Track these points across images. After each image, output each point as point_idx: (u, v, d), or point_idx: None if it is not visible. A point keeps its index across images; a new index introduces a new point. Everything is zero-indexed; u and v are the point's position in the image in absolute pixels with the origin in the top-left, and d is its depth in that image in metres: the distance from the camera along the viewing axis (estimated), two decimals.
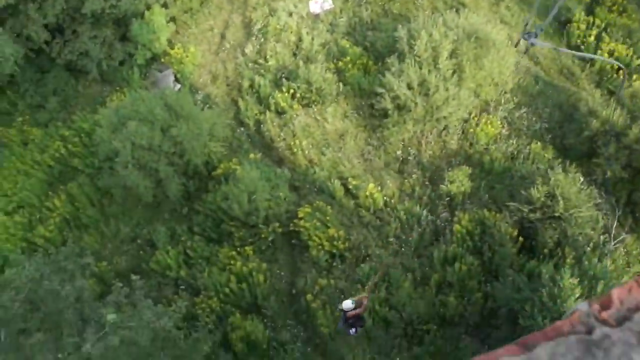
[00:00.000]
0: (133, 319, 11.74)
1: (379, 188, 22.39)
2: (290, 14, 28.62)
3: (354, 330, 17.60)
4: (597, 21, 28.85)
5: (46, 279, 12.42)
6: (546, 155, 23.38)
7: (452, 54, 23.74)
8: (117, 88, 26.97)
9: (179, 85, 27.26)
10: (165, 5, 27.77)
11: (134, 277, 13.71)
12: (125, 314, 12.25)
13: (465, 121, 24.34)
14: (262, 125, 24.87)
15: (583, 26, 28.63)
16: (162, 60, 27.69)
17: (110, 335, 10.89)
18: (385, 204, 22.22)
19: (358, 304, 16.80)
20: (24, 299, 11.87)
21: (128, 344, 11.26)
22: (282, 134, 24.47)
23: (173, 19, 28.41)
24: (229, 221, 21.48)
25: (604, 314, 2.35)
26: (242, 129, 25.31)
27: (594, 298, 2.50)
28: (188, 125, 21.91)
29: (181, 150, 22.15)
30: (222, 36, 28.98)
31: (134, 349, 11.58)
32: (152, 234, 22.53)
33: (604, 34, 28.43)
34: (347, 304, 16.70)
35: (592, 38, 28.13)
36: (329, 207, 21.60)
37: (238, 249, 21.13)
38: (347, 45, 26.92)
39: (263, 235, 21.29)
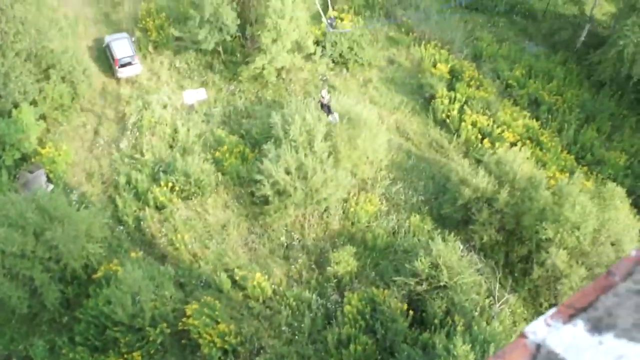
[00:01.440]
0: None
1: (266, 276, 22.20)
2: (165, 106, 28.55)
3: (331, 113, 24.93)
4: (459, 96, 30.92)
5: None
6: (425, 226, 24.21)
7: (327, 136, 24.43)
8: None
9: (51, 186, 26.12)
10: (34, 103, 26.88)
11: None
12: None
13: (345, 201, 24.87)
14: (142, 222, 24.19)
15: (446, 101, 30.52)
16: (33, 160, 26.53)
17: None
18: (274, 292, 22.03)
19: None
20: None
21: None
22: (163, 230, 23.91)
23: (43, 117, 27.48)
24: (113, 327, 20.41)
25: None
26: (121, 227, 24.49)
27: None
28: (63, 228, 20.91)
29: (57, 255, 21.03)
30: (96, 132, 28.30)
31: None
32: (28, 350, 20.98)
33: (465, 107, 30.40)
34: (323, 92, 24.94)
35: (455, 112, 30.00)
36: (217, 301, 21.09)
37: (125, 356, 20.07)
38: (223, 135, 27.09)
39: (151, 338, 20.33)
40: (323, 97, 24.52)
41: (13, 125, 25.31)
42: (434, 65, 33.02)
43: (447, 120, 30.03)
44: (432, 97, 31.12)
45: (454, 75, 32.95)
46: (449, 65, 33.19)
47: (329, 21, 29.52)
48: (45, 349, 20.84)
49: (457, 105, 30.40)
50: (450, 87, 31.86)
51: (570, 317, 2.34)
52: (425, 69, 33.00)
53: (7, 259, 20.13)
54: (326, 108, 24.54)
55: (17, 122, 25.45)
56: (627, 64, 31.56)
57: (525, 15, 40.14)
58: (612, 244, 22.97)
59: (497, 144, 28.27)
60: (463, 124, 29.48)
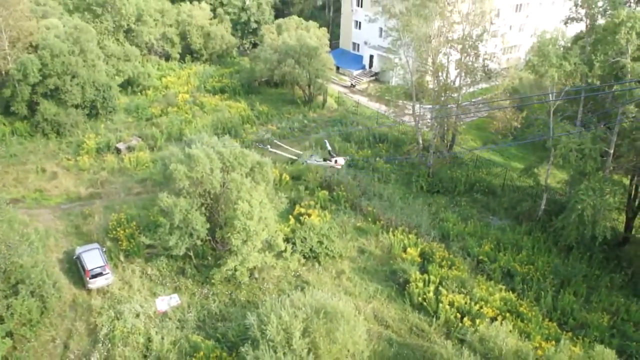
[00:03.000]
0: None
1: None
2: (137, 315, 28.06)
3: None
4: (432, 277, 31.18)
5: None
6: None
7: (305, 333, 23.89)
8: None
9: None
10: (1, 320, 26.10)
11: None
12: None
13: None
14: None
15: (420, 284, 30.63)
16: None
17: None
18: None
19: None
20: None
21: None
22: None
23: (10, 334, 26.56)
24: None
25: None
26: None
27: None
28: None
29: None
30: (66, 346, 27.33)
31: None
32: None
33: (441, 288, 30.49)
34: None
35: (431, 294, 30.00)
36: None
37: None
38: (199, 340, 26.42)
39: None
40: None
41: None
42: (404, 250, 33.64)
43: (424, 303, 29.87)
44: (407, 281, 31.27)
45: (425, 258, 33.50)
46: (419, 249, 33.86)
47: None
48: None
49: (432, 287, 30.48)
50: (423, 270, 32.23)
51: None
52: (396, 255, 33.55)
53: None
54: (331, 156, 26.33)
55: None
56: (589, 225, 32.64)
57: (485, 192, 41.96)
58: None
59: (477, 321, 28.00)
60: (440, 305, 29.35)
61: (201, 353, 25.44)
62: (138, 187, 39.72)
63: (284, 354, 23.00)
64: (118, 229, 33.16)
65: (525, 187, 42.24)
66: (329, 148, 29.91)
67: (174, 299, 29.41)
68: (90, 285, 29.83)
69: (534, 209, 38.87)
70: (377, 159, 44.17)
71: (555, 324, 29.48)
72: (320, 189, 39.19)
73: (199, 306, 29.05)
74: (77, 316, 28.87)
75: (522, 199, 40.55)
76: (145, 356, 26.21)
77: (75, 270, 30.97)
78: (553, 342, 26.80)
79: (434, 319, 29.10)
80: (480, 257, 33.79)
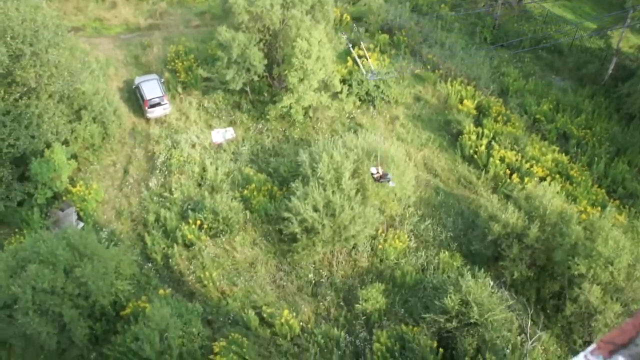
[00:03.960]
0: None
1: (294, 314, 22.05)
2: (193, 145, 28.91)
3: (388, 180, 24.04)
4: (486, 131, 30.85)
5: None
6: (455, 263, 23.92)
7: (354, 174, 24.44)
8: (16, 230, 25.80)
9: (82, 224, 26.43)
10: (66, 143, 27.38)
11: None
12: None
13: (373, 238, 24.74)
14: (170, 260, 24.28)
15: (474, 137, 30.44)
16: (64, 198, 26.92)
17: None
18: (302, 329, 21.82)
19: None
20: None
21: None
22: (191, 267, 23.96)
23: (74, 156, 27.95)
24: None
25: None
26: (150, 264, 24.60)
27: None
28: (93, 265, 21.03)
29: (86, 292, 21.10)
30: (125, 171, 28.70)
31: None
32: None
33: (493, 143, 30.28)
34: (372, 170, 23.71)
35: (483, 147, 29.89)
36: (244, 338, 20.95)
37: None
38: (251, 173, 27.28)
39: None
40: (373, 174, 24.36)
41: (45, 165, 25.75)
42: (461, 102, 33.11)
43: (475, 156, 29.91)
44: (460, 133, 31.14)
45: (481, 111, 33.00)
46: (476, 101, 33.25)
47: (369, 76, 30.33)
48: None
49: (484, 141, 30.32)
50: (478, 123, 31.89)
51: (611, 353, 2.29)
52: (451, 106, 33.09)
53: (37, 295, 20.25)
54: (384, 179, 24.40)
55: (50, 161, 25.89)
56: None
57: (550, 50, 40.16)
58: None
59: (526, 179, 28.04)
60: (491, 159, 29.34)
61: (253, 185, 26.40)
62: (197, 20, 39.29)
63: (333, 192, 23.70)
64: (176, 61, 33.32)
65: (594, 48, 40.19)
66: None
67: (229, 132, 30.05)
68: (148, 115, 30.60)
69: (600, 72, 37.25)
70: (442, 5, 42.37)
71: (604, 190, 29.30)
72: (381, 32, 38.07)
73: (253, 140, 29.70)
74: (136, 143, 29.94)
75: (589, 60, 38.70)
76: (199, 184, 27.32)
77: (134, 100, 31.67)
78: (599, 209, 26.72)
79: (483, 173, 29.23)
80: (538, 116, 33.10)
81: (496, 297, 21.34)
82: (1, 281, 20.67)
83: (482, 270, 22.84)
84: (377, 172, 23.69)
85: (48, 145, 26.39)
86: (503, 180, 28.64)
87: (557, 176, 29.12)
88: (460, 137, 30.78)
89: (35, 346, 21.47)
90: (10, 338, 21.51)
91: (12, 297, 20.37)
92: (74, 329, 20.77)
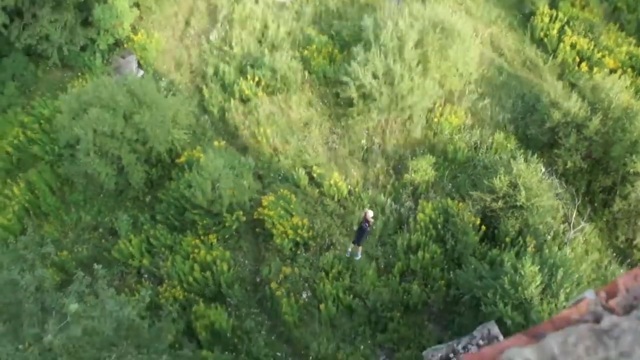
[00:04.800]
0: (96, 308, 11.46)
1: (344, 177, 22.43)
2: (256, 1, 28.44)
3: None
4: (561, 15, 29.31)
5: (5, 269, 12.08)
6: (509, 145, 23.66)
7: (418, 44, 23.83)
8: (79, 74, 26.37)
9: (142, 72, 26.80)
10: None
11: (96, 266, 13.37)
12: (88, 303, 11.98)
13: (430, 111, 24.49)
14: (226, 113, 24.61)
15: (547, 19, 29.03)
16: (125, 46, 27.16)
17: (72, 325, 10.58)
18: (350, 192, 22.25)
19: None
20: None
21: (91, 333, 10.99)
22: (246, 122, 24.28)
23: (137, 4, 27.87)
24: (192, 209, 21.19)
25: (611, 302, 2.30)
26: (206, 116, 25.02)
27: (601, 287, 2.46)
28: (151, 112, 21.54)
29: (144, 138, 21.76)
30: (187, 22, 28.55)
31: (97, 339, 11.33)
32: (114, 223, 22.13)
33: (566, 27, 28.88)
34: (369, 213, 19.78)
35: (555, 31, 28.57)
36: (293, 195, 21.53)
37: (202, 237, 20.86)
38: (313, 34, 26.84)
39: (227, 224, 21.04)
40: (367, 221, 19.80)
41: (108, 11, 25.78)
42: None
43: (545, 40, 28.63)
44: (532, 13, 29.62)
45: None
46: None
47: None
48: (128, 223, 21.91)
49: (557, 25, 28.84)
50: (553, 5, 30.13)
51: None
52: None
53: (98, 137, 20.98)
54: (364, 235, 20.15)
55: (112, 8, 25.89)
56: None
57: None
58: None
59: (595, 69, 26.89)
60: (561, 44, 28.07)
61: (314, 46, 26.03)
62: None
63: (394, 61, 23.25)
64: None
65: None
66: None
67: None
68: None
69: None
70: None
71: None
72: None
73: (317, 1, 28.86)
74: None
75: None
76: (259, 41, 27.07)
77: None
78: None
79: (551, 58, 28.11)
80: (619, 4, 31.16)
81: (546, 183, 21.19)
82: (65, 122, 21.45)
83: (535, 155, 22.53)
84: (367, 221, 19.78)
85: None
86: (571, 68, 27.56)
87: (629, 70, 27.78)
88: (532, 17, 29.38)
89: (95, 185, 22.53)
90: (73, 176, 22.64)
91: (75, 137, 21.19)
92: (131, 172, 21.62)
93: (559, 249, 19.36)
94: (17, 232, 21.41)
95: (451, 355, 13.76)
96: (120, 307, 11.66)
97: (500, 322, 15.60)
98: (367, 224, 19.59)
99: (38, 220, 22.70)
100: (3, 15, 24.22)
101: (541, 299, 16.82)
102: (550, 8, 29.80)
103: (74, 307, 11.12)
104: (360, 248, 20.48)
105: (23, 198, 22.64)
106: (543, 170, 22.04)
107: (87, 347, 10.93)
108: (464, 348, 14.09)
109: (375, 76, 23.02)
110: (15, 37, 25.04)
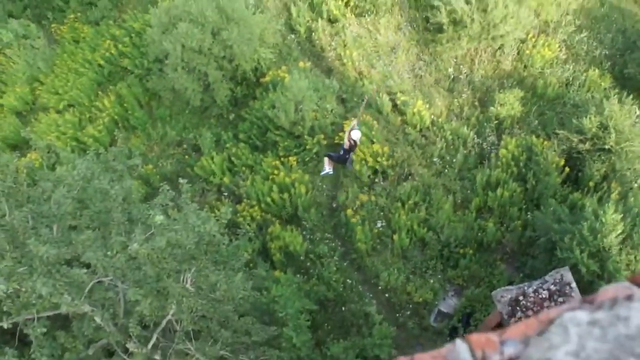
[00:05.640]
0: (179, 222, 11.92)
1: (427, 106, 22.04)
2: None
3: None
4: None
5: (96, 178, 12.65)
6: (603, 84, 22.52)
7: None
8: None
9: None
10: None
11: (181, 180, 13.86)
12: (172, 217, 12.47)
13: (522, 42, 23.45)
14: (313, 33, 24.32)
15: None
16: None
17: (157, 237, 11.07)
18: (432, 122, 21.91)
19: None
20: (75, 197, 12.15)
21: (173, 246, 11.45)
22: (332, 43, 23.97)
23: None
24: (274, 130, 21.47)
25: None
26: (292, 36, 24.82)
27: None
28: (239, 29, 21.55)
29: (231, 55, 21.91)
30: None
31: (179, 251, 11.80)
32: (197, 139, 22.68)
33: None
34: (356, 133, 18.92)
35: None
36: (375, 122, 21.44)
37: (282, 158, 21.17)
38: None
39: (307, 147, 21.25)
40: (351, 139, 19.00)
41: None
42: None
43: None
44: None
45: None
46: None
47: None
48: (212, 140, 22.38)
49: None
50: None
51: None
52: None
53: (186, 52, 21.27)
54: (342, 157, 19.66)
55: None
56: None
57: None
58: None
59: None
60: None
61: None
62: None
63: None
64: None
65: None
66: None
67: None
68: None
69: None
70: None
71: None
72: None
73: None
74: None
75: None
76: None
77: None
78: None
79: None
80: None
81: (639, 128, 20.19)
82: (155, 36, 21.80)
83: (631, 97, 21.38)
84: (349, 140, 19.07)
85: None
86: None
87: None
88: None
89: (181, 100, 23.07)
90: (160, 90, 23.21)
91: (164, 52, 21.56)
92: (216, 89, 21.93)
93: None
94: (106, 143, 22.35)
95: (521, 298, 13.68)
96: (202, 222, 12.05)
97: (574, 269, 15.31)
98: (349, 149, 19.07)
99: (126, 133, 23.56)
100: None
101: (620, 249, 16.34)
102: None
103: (159, 218, 11.50)
104: (332, 164, 19.94)
105: (113, 110, 23.46)
106: (638, 113, 20.95)
107: (169, 259, 11.41)
108: (534, 292, 14.01)
109: (467, 1, 22.12)
110: None
